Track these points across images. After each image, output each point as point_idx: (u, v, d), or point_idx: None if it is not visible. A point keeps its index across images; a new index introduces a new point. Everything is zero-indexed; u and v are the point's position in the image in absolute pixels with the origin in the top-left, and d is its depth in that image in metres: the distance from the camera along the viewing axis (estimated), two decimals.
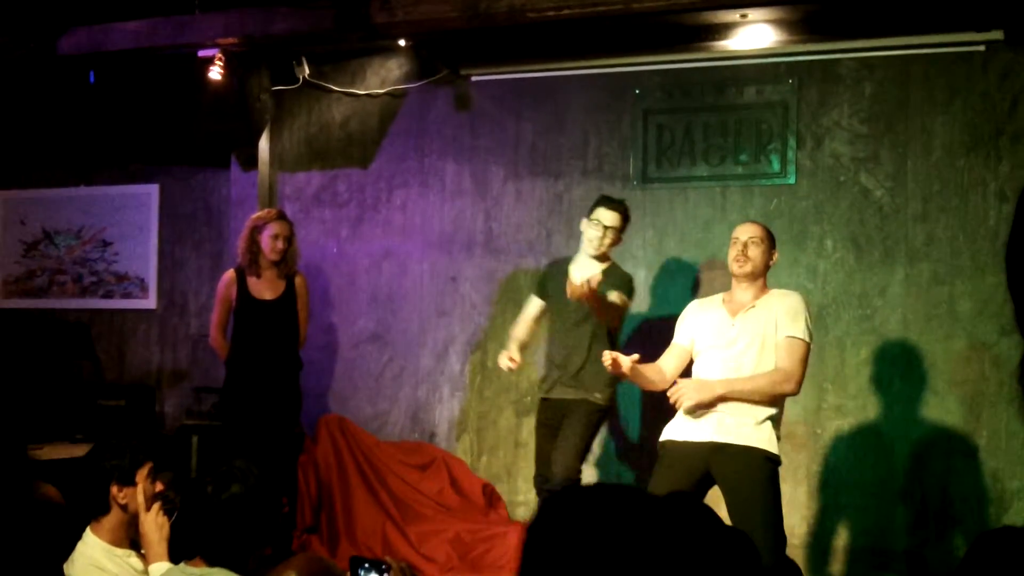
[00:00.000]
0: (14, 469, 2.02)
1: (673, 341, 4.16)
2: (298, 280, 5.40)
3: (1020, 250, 4.87)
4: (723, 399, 3.89)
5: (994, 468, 4.94)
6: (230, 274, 5.35)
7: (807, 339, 3.94)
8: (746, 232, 4.06)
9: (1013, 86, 4.98)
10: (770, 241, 4.09)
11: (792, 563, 4.05)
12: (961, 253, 5.03)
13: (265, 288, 5.32)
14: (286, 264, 5.34)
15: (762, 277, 4.06)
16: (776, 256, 4.14)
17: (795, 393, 3.93)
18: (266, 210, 5.50)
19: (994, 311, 4.96)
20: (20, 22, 5.52)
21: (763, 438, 3.89)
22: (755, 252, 4.01)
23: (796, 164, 5.28)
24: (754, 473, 3.86)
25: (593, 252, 4.65)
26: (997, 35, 4.94)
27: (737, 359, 3.94)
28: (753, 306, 3.99)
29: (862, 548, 5.10)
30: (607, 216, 4.63)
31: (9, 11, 5.51)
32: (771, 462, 3.90)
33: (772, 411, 3.94)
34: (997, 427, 4.95)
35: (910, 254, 5.11)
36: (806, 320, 3.96)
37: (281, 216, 5.37)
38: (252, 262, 5.28)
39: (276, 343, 5.28)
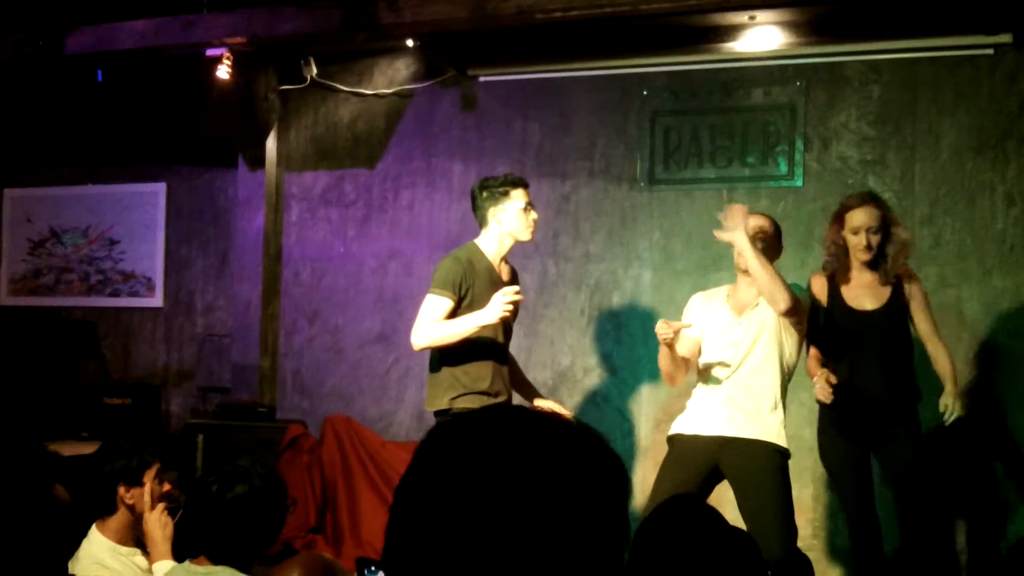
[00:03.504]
0: (32, 466, 2.01)
1: (682, 333, 4.04)
2: None
3: None
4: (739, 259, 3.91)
5: (1000, 472, 4.92)
6: None
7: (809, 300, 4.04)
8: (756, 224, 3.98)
9: (1021, 89, 4.96)
10: (778, 236, 4.07)
11: (803, 556, 4.04)
12: (968, 256, 5.01)
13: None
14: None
15: None
16: (783, 251, 4.13)
17: (785, 307, 3.77)
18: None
19: (1001, 314, 4.94)
20: (27, 21, 5.53)
21: (772, 431, 3.89)
22: (763, 248, 3.97)
23: (803, 166, 5.27)
24: (763, 466, 3.85)
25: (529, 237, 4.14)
26: (1005, 38, 4.93)
27: (744, 357, 3.94)
28: (757, 303, 3.97)
29: None
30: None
31: (17, 10, 5.52)
32: (780, 455, 3.89)
33: (778, 404, 3.93)
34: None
35: (917, 257, 5.06)
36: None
37: None
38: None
39: None
